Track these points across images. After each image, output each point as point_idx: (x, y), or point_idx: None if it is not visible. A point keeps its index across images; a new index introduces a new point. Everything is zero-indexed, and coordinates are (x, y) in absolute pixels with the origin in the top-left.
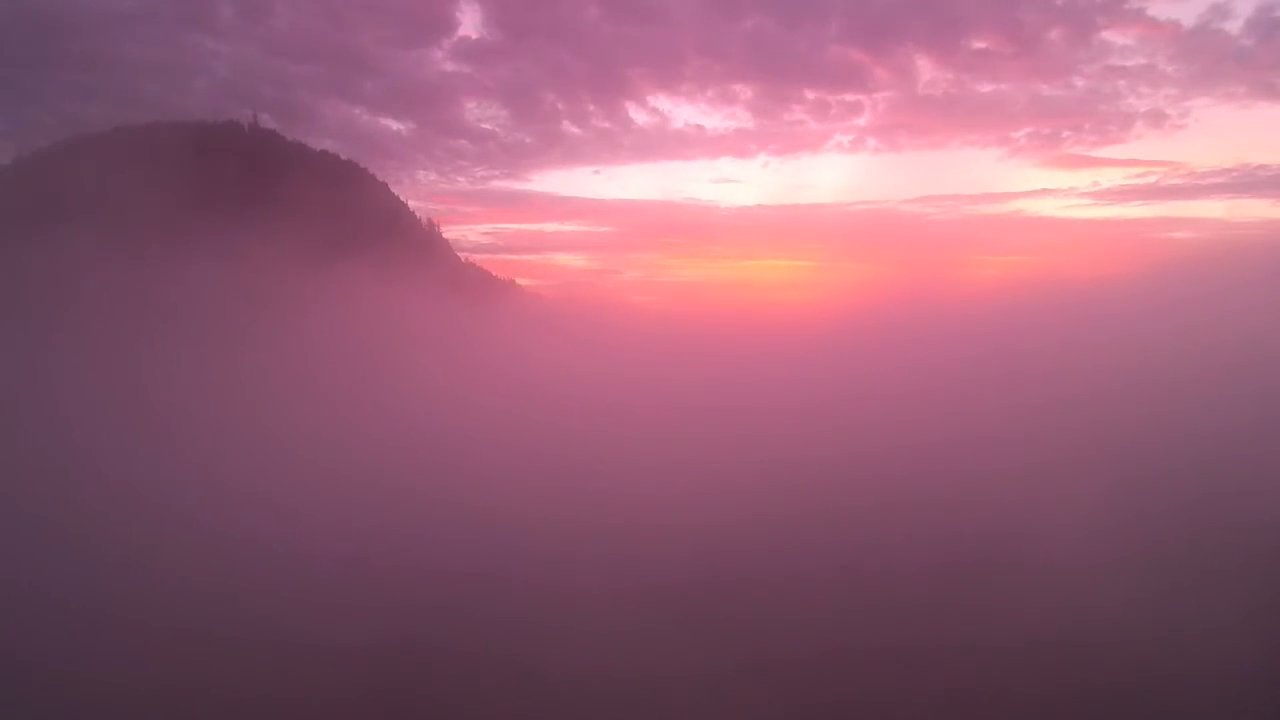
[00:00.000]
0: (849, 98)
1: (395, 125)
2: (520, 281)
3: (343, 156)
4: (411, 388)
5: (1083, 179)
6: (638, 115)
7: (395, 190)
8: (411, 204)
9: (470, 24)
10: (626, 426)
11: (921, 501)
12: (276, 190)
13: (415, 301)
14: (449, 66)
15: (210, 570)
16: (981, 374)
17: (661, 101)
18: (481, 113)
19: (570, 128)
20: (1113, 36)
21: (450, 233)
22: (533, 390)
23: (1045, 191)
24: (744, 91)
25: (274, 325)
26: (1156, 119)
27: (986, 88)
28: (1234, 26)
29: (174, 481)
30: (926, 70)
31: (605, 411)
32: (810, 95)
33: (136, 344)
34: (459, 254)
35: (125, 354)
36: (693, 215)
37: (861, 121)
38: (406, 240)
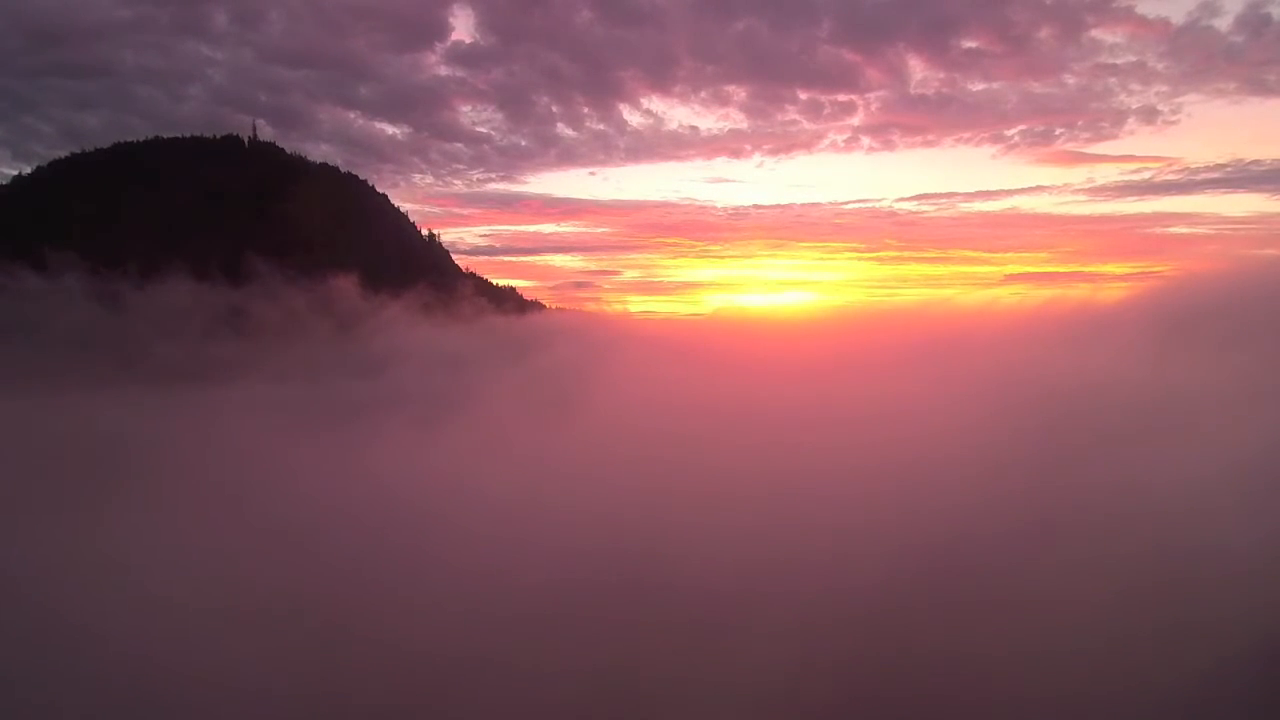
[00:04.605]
0: (842, 98)
1: (390, 129)
2: (519, 285)
3: (341, 167)
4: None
5: (1077, 175)
6: (632, 117)
7: (393, 196)
8: (408, 208)
9: (464, 28)
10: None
11: None
12: (278, 205)
13: (416, 317)
14: (443, 70)
15: None
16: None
17: (655, 103)
18: (476, 116)
19: (565, 130)
20: (1102, 34)
21: (448, 235)
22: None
23: (1040, 188)
24: (737, 93)
25: (279, 348)
26: (1149, 115)
27: (978, 86)
28: (1223, 23)
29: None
30: (918, 70)
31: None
32: (803, 96)
33: (126, 372)
34: (458, 260)
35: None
36: (689, 215)
37: (855, 121)
38: (408, 253)
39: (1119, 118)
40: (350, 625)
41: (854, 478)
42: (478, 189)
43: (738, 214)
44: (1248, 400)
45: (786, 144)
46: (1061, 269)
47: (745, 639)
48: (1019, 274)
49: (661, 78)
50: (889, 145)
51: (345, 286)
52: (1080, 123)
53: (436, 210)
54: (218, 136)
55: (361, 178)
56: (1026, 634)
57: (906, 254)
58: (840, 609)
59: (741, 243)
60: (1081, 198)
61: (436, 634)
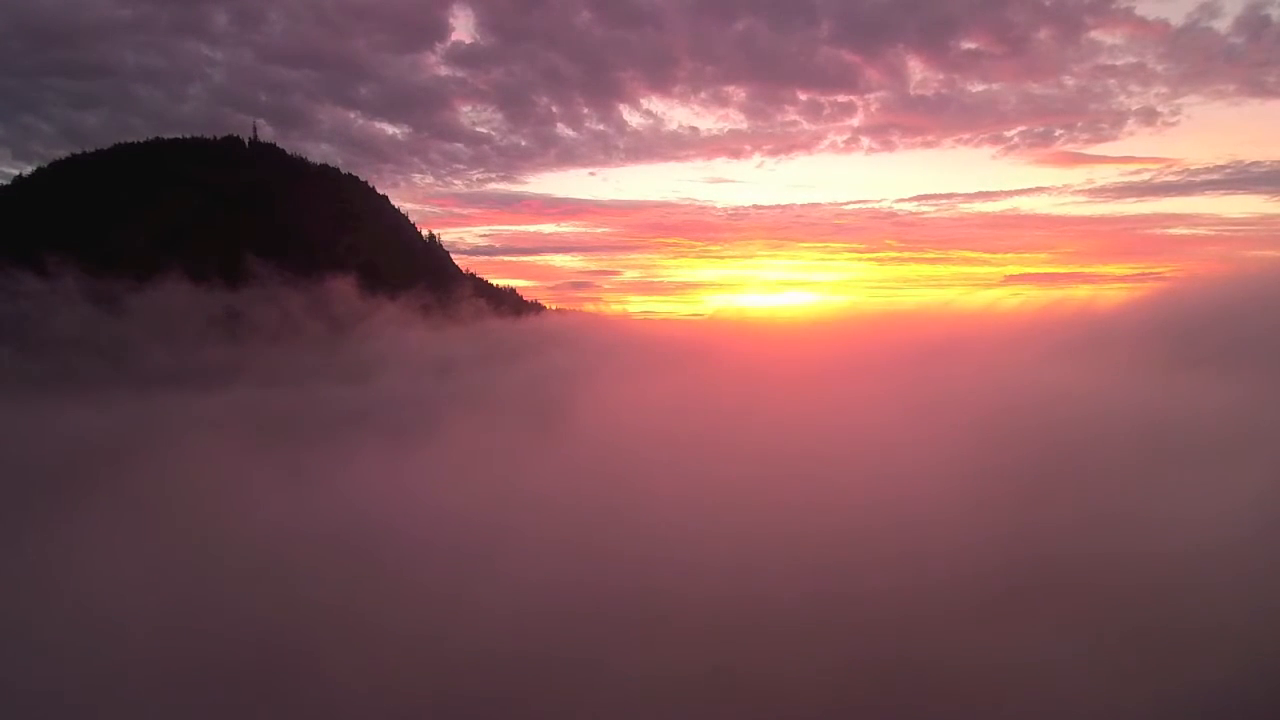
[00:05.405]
0: (841, 99)
1: (390, 129)
2: (519, 285)
3: (341, 168)
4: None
5: (1077, 176)
6: (631, 117)
7: (393, 196)
8: (408, 208)
9: (463, 28)
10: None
11: None
12: (278, 206)
13: (412, 319)
14: (443, 71)
15: None
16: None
17: (655, 104)
18: (476, 116)
19: (565, 130)
20: (1101, 36)
21: (448, 235)
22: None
23: (1040, 189)
24: (737, 93)
25: (272, 352)
26: (1148, 116)
27: (978, 87)
28: (1223, 25)
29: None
30: (918, 71)
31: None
32: (803, 96)
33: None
34: (458, 261)
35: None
36: (689, 215)
37: (854, 122)
38: (408, 254)
39: (1118, 119)
40: (321, 645)
41: (852, 485)
42: (478, 189)
43: (738, 214)
44: (1252, 420)
45: (786, 144)
46: (1061, 269)
47: (743, 643)
48: (1019, 274)
49: (661, 78)
50: (889, 146)
51: (344, 288)
52: (1080, 124)
53: (436, 210)
54: (218, 137)
55: (361, 178)
56: (1023, 643)
57: (906, 254)
58: (838, 615)
59: (741, 243)
60: (1081, 198)
61: (416, 651)
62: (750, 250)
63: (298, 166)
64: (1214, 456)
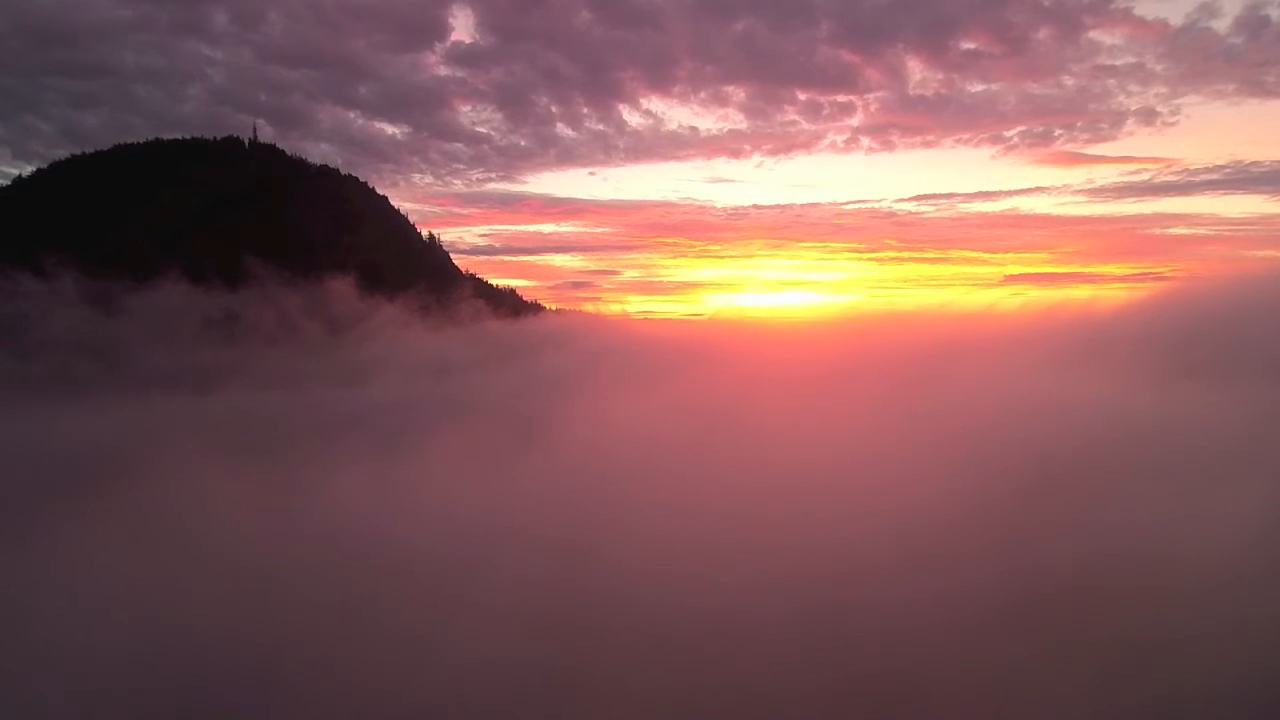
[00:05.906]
0: (841, 98)
1: (390, 129)
2: (519, 285)
3: (341, 168)
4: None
5: (1077, 176)
6: (631, 117)
7: (393, 196)
8: (408, 208)
9: (463, 28)
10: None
11: None
12: (278, 207)
13: (411, 320)
14: (442, 70)
15: None
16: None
17: (654, 104)
18: (476, 116)
19: (565, 130)
20: (1101, 36)
21: (448, 235)
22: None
23: (1039, 189)
24: (736, 93)
25: (269, 354)
26: (1148, 116)
27: (977, 87)
28: (1222, 25)
29: None
30: (917, 71)
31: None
32: (802, 96)
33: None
34: (457, 261)
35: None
36: (689, 215)
37: (854, 122)
38: (407, 255)
39: (1118, 119)
40: (317, 648)
41: (852, 492)
42: (478, 189)
43: (737, 214)
44: (1250, 423)
45: (786, 144)
46: (1061, 269)
47: (743, 652)
48: (1019, 274)
49: (661, 78)
50: (888, 146)
51: (343, 289)
52: (1079, 124)
53: (436, 210)
54: (218, 138)
55: (361, 179)
56: (1022, 651)
57: (906, 254)
58: (838, 625)
59: (741, 243)
60: (1081, 198)
61: (413, 656)
62: (750, 250)
63: (298, 166)
64: (1213, 461)
